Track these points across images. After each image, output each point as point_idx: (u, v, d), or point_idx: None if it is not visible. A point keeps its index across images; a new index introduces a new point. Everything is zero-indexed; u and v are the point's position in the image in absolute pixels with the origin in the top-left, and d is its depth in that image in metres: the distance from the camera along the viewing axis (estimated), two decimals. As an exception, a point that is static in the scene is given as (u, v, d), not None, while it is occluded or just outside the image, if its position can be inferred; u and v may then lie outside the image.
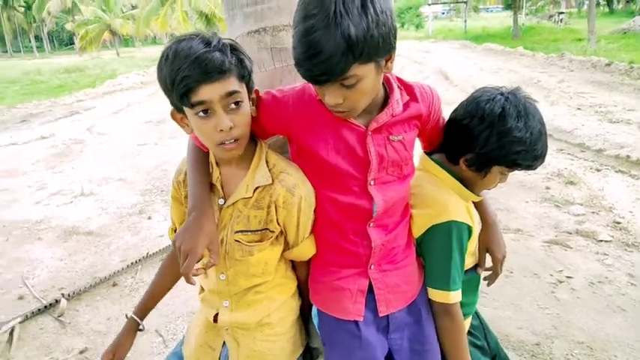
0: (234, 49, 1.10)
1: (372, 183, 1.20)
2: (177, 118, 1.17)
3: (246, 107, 1.12)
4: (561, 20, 26.16)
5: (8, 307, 3.21)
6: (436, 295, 1.32)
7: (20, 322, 2.98)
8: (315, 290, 1.34)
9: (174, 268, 1.40)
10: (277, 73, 1.39)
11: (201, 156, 1.23)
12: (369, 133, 1.16)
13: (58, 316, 3.04)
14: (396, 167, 1.22)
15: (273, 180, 1.19)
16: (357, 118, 1.16)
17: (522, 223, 4.01)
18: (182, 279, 1.39)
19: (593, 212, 4.13)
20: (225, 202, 1.20)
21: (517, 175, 5.07)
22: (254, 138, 1.24)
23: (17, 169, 6.60)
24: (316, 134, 1.18)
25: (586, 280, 3.09)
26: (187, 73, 1.01)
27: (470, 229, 1.31)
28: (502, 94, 1.26)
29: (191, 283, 1.14)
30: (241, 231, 1.20)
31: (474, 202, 1.41)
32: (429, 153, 1.42)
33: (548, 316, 2.75)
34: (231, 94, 1.06)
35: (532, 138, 1.21)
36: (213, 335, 1.34)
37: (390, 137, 1.19)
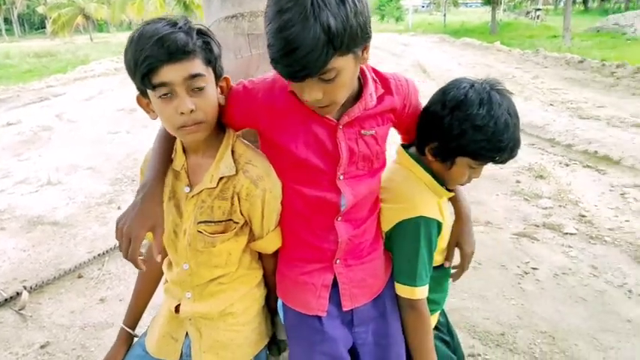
0: (201, 32, 1.08)
1: (342, 177, 1.17)
2: (144, 104, 1.14)
3: (211, 92, 1.10)
4: (538, 17, 26.53)
5: (-33, 299, 3.11)
6: (402, 290, 1.30)
7: (-22, 315, 2.89)
8: (281, 284, 1.32)
9: (153, 269, 1.38)
10: (254, 60, 1.36)
11: (166, 140, 1.20)
12: (340, 127, 1.13)
13: (19, 310, 2.95)
14: (366, 162, 1.19)
15: (237, 170, 1.16)
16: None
17: (492, 215, 4.06)
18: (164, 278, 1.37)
19: (560, 206, 4.21)
20: (190, 190, 1.18)
21: (488, 169, 5.11)
22: (224, 127, 1.21)
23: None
24: (286, 128, 1.15)
25: (551, 272, 3.15)
26: (150, 52, 0.99)
27: (439, 226, 1.29)
28: (470, 82, 1.23)
29: (140, 269, 1.12)
30: (205, 221, 1.18)
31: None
32: (407, 146, 1.39)
33: (514, 307, 2.80)
34: (194, 76, 1.04)
35: (496, 128, 1.17)
36: (176, 326, 1.31)
37: (362, 131, 1.16)
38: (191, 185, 1.19)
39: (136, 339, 1.43)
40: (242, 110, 1.18)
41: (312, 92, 0.99)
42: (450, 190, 1.34)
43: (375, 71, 1.19)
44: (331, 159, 1.16)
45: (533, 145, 6.09)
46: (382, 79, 1.19)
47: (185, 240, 1.19)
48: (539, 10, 27.41)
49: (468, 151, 1.21)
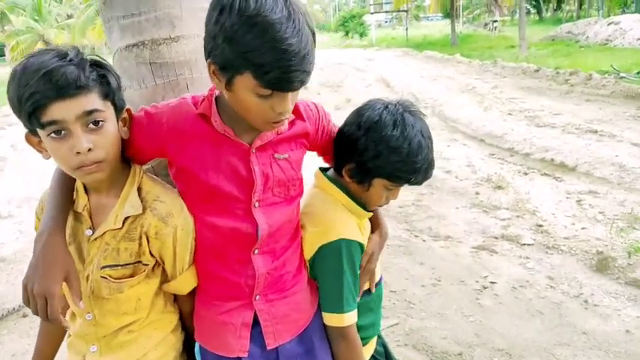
0: (96, 64, 1.01)
1: (257, 205, 1.13)
2: (34, 143, 1.04)
3: (111, 128, 1.02)
4: (495, 28, 27.31)
5: None
6: (330, 319, 1.26)
7: None
8: (198, 325, 1.24)
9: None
10: (159, 89, 1.30)
11: (63, 180, 1.11)
12: (253, 151, 1.11)
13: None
14: (282, 187, 1.16)
15: (144, 209, 1.09)
16: (241, 136, 1.10)
17: (452, 229, 4.07)
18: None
19: (518, 216, 4.24)
20: (93, 233, 1.09)
21: (449, 182, 5.18)
22: (130, 163, 1.14)
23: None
24: (194, 153, 1.10)
25: (508, 285, 3.15)
26: (36, 88, 0.91)
27: (362, 247, 1.27)
28: (384, 104, 1.25)
29: (66, 327, 1.03)
30: (110, 266, 1.09)
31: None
32: (326, 169, 1.38)
33: (472, 324, 2.77)
34: (90, 112, 0.97)
35: (410, 149, 1.18)
36: None
37: (275, 155, 1.14)
38: (94, 227, 1.10)
39: None
40: (147, 138, 1.11)
41: (289, 103, 1.00)
42: (369, 211, 1.33)
43: None
44: (245, 185, 1.12)
45: (493, 155, 6.18)
46: None
47: (87, 287, 1.10)
48: (495, 21, 28.23)
49: (384, 173, 1.22)
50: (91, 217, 1.10)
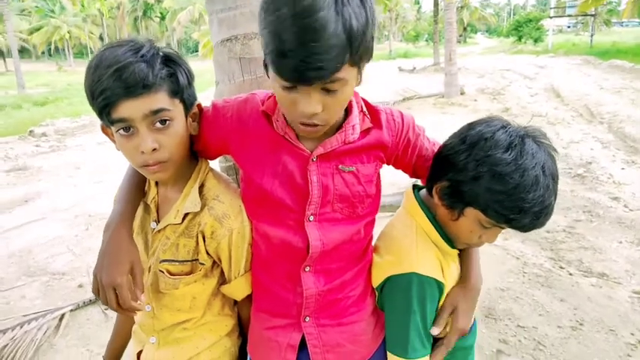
0: (168, 59, 1.00)
1: (312, 218, 1.03)
2: (109, 133, 1.06)
3: (178, 127, 1.01)
4: None
5: (69, 294, 3.48)
6: None
7: (71, 311, 3.19)
8: (249, 336, 1.20)
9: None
10: (246, 85, 1.30)
11: (134, 173, 1.13)
12: (314, 159, 1.01)
13: (105, 309, 3.20)
14: (345, 203, 1.04)
15: (203, 206, 1.08)
16: (303, 141, 1.01)
17: (609, 267, 3.43)
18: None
19: None
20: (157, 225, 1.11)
21: (615, 210, 4.40)
22: (197, 157, 1.14)
23: (114, 165, 7.19)
24: (253, 152, 1.04)
25: (677, 348, 2.52)
26: (106, 85, 0.92)
27: (440, 286, 1.07)
28: (505, 122, 1.02)
29: (142, 309, 1.05)
30: (168, 260, 1.10)
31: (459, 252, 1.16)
32: (421, 187, 1.20)
33: (616, 386, 2.28)
34: (156, 112, 0.96)
35: (521, 182, 0.94)
36: None
37: (340, 167, 1.02)
38: (158, 220, 1.11)
39: None
40: (212, 133, 1.09)
41: (311, 103, 0.84)
42: (458, 249, 1.12)
43: (365, 102, 1.06)
44: (300, 195, 1.02)
45: (682, 185, 5.09)
46: (373, 111, 1.07)
47: (148, 279, 1.12)
48: None
49: (480, 202, 0.99)
50: (157, 210, 1.12)
